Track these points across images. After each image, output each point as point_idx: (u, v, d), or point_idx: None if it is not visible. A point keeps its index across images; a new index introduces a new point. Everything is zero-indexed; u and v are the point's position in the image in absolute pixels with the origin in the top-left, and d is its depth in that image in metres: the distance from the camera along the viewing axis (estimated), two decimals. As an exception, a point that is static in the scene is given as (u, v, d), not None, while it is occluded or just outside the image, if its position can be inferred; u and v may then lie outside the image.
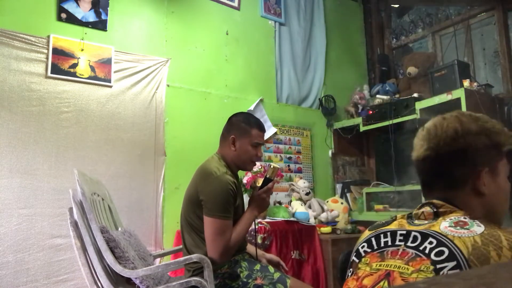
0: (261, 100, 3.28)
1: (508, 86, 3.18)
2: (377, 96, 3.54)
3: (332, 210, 3.03)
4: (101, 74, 2.49)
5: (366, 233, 0.87)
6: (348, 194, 3.48)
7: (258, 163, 2.76)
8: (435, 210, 0.79)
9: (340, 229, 2.98)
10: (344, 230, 2.99)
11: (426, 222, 0.78)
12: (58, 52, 2.35)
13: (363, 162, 3.92)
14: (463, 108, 2.61)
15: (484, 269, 0.32)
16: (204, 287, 1.43)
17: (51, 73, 2.32)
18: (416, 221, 0.80)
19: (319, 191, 3.50)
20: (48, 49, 2.32)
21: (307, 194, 3.12)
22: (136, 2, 2.75)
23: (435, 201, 0.80)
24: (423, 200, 0.85)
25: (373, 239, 0.82)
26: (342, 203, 3.22)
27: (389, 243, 0.79)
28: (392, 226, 0.83)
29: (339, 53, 3.96)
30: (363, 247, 0.83)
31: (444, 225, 0.74)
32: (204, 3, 3.09)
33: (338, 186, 3.57)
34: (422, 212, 0.80)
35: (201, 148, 2.79)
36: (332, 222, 2.98)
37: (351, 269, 0.82)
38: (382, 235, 0.81)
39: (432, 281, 0.30)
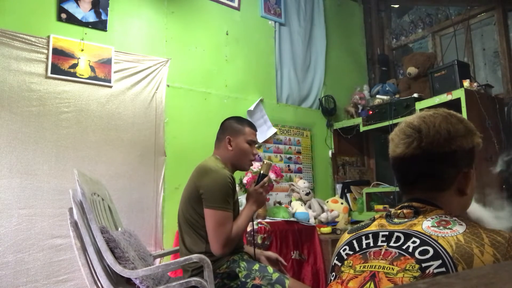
0: (261, 100, 3.28)
1: (508, 86, 3.18)
2: (377, 96, 3.54)
3: (332, 210, 3.03)
4: (101, 74, 2.49)
5: (346, 236, 0.86)
6: (348, 194, 3.48)
7: (257, 164, 2.76)
8: (414, 210, 0.79)
9: (340, 229, 2.98)
10: (344, 230, 2.99)
11: (406, 220, 0.78)
12: (58, 52, 2.35)
13: (363, 162, 3.92)
14: (463, 108, 2.61)
15: (484, 269, 0.32)
16: (204, 287, 1.43)
17: (51, 73, 2.32)
18: (396, 220, 0.80)
19: (319, 191, 3.50)
20: (48, 49, 2.32)
21: (307, 194, 3.12)
22: (136, 2, 2.75)
23: (415, 203, 0.80)
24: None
25: (354, 241, 0.82)
26: (342, 203, 3.22)
27: (371, 244, 0.78)
28: (372, 228, 0.82)
29: (339, 53, 3.96)
30: (344, 250, 0.82)
31: (426, 225, 0.74)
32: (204, 3, 3.09)
33: (338, 186, 3.57)
34: (402, 211, 0.81)
35: (201, 148, 2.78)
36: (332, 222, 2.98)
37: (333, 273, 0.81)
38: (363, 237, 0.81)
39: (432, 281, 0.30)
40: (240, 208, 1.80)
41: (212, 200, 1.57)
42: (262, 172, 1.74)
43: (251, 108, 3.16)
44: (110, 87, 2.53)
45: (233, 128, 1.80)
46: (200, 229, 1.62)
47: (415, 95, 3.06)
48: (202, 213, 1.60)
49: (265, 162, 1.76)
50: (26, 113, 2.23)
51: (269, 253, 1.93)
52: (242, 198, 2.41)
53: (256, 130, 1.86)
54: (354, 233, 0.84)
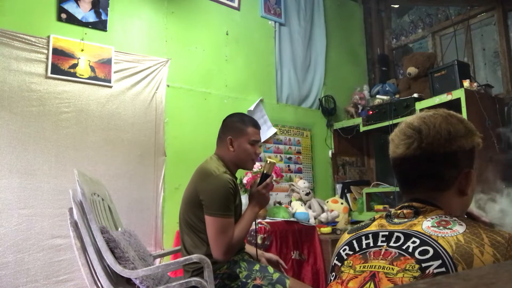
0: (261, 100, 3.28)
1: (508, 86, 3.18)
2: (377, 96, 3.54)
3: (332, 210, 3.03)
4: (101, 74, 2.49)
5: (346, 236, 0.86)
6: (348, 194, 3.48)
7: (258, 164, 2.76)
8: (414, 210, 0.79)
9: (340, 229, 2.98)
10: (344, 231, 2.98)
11: (406, 220, 0.78)
12: (58, 53, 2.35)
13: (363, 162, 3.92)
14: (463, 108, 2.61)
15: (484, 269, 0.32)
16: (204, 287, 1.43)
17: (51, 73, 2.32)
18: (396, 220, 0.80)
19: (319, 191, 3.50)
20: (48, 50, 2.32)
21: (307, 194, 3.12)
22: (136, 2, 2.75)
23: (415, 204, 0.80)
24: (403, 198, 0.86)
25: (354, 241, 0.82)
26: (342, 203, 3.22)
27: (371, 244, 0.78)
28: (372, 228, 0.82)
29: (339, 53, 3.96)
30: (344, 250, 0.82)
31: (426, 225, 0.74)
32: (204, 3, 3.09)
33: (338, 186, 3.57)
34: (402, 211, 0.81)
35: (201, 148, 2.78)
36: (332, 223, 2.98)
37: (333, 273, 0.81)
38: (363, 237, 0.81)
39: (432, 281, 0.30)
40: (242, 208, 1.79)
41: (213, 207, 1.54)
42: (265, 171, 1.68)
43: (251, 108, 3.16)
44: (110, 87, 2.53)
45: (235, 128, 1.74)
46: (200, 232, 1.61)
47: (415, 95, 3.06)
48: (202, 217, 1.58)
49: (268, 162, 1.69)
50: (26, 113, 2.23)
51: (270, 255, 1.92)
52: (242, 198, 2.41)
53: (259, 129, 1.79)
54: (354, 233, 0.84)
